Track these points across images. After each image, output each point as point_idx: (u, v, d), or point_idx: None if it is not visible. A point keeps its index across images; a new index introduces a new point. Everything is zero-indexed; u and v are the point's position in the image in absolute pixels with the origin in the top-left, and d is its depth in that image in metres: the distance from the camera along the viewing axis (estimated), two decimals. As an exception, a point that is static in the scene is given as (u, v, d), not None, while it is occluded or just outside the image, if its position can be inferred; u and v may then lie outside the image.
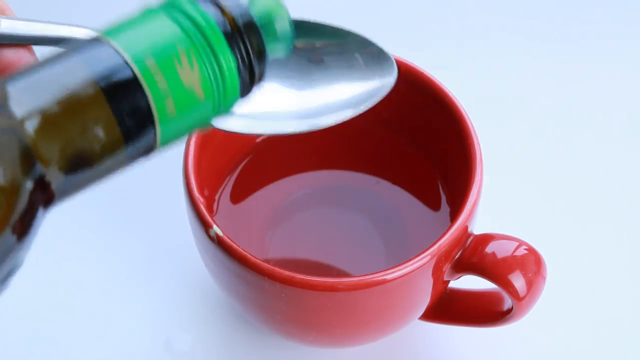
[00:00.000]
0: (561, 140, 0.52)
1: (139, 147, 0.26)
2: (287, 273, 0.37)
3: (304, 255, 0.44)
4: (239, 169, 0.46)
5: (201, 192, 0.40)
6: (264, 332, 0.46)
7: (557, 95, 0.54)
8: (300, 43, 0.37)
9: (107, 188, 0.50)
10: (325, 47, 0.37)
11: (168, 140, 0.27)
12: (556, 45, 0.56)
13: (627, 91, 0.54)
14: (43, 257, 0.48)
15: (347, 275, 0.44)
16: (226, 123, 0.35)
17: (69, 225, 0.49)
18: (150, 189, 0.50)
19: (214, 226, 0.38)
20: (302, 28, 0.37)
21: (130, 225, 0.49)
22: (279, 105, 0.36)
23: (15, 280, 0.48)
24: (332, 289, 0.38)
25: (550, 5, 0.57)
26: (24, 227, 0.25)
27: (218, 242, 0.38)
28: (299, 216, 0.45)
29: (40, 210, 0.25)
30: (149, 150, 0.27)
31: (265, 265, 0.38)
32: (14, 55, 0.34)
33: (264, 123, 0.36)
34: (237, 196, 0.45)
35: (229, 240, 0.38)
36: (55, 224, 0.49)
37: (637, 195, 0.50)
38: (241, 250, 0.38)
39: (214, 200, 0.44)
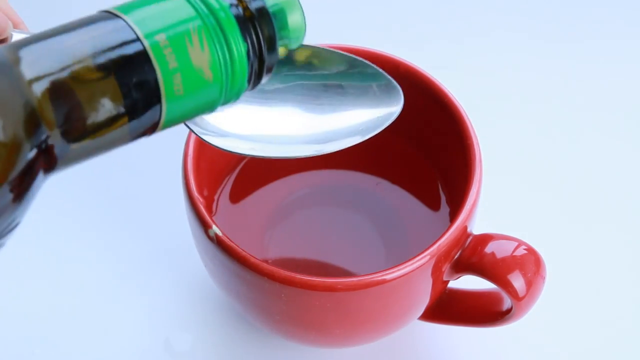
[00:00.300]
0: (561, 141, 0.52)
1: (143, 123, 0.27)
2: (286, 273, 0.38)
3: (304, 255, 0.44)
4: (238, 169, 0.46)
5: (200, 192, 0.40)
6: (264, 332, 0.46)
7: (557, 95, 0.54)
8: (311, 69, 0.37)
9: (107, 188, 0.50)
10: (333, 74, 0.38)
11: (172, 120, 0.27)
12: (555, 45, 0.56)
13: (630, 92, 0.54)
14: (43, 258, 0.48)
15: (346, 275, 0.44)
16: (234, 145, 0.36)
17: (69, 225, 0.49)
18: (150, 190, 0.50)
19: (213, 226, 0.38)
20: (316, 55, 0.38)
21: (130, 226, 0.49)
22: (287, 129, 0.37)
23: (16, 280, 0.49)
24: (331, 289, 0.38)
25: (552, 4, 0.57)
26: (22, 186, 0.25)
27: (217, 242, 0.38)
28: (298, 216, 0.45)
29: (41, 174, 0.26)
30: (153, 127, 0.27)
31: (265, 265, 0.38)
32: None
33: (270, 146, 0.36)
34: (237, 196, 0.45)
35: (228, 240, 0.38)
36: (56, 224, 0.49)
37: (637, 195, 0.50)
38: (241, 250, 0.38)
39: (214, 200, 0.44)
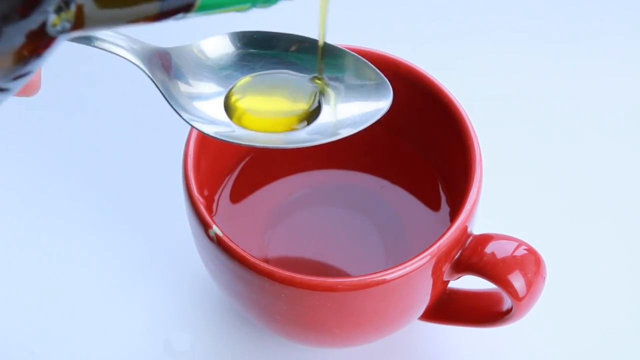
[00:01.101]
0: (562, 140, 0.52)
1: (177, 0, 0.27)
2: (286, 273, 0.37)
3: (304, 255, 0.44)
4: (238, 169, 0.46)
5: (201, 192, 0.40)
6: (264, 332, 0.46)
7: (558, 94, 0.54)
8: (301, 58, 0.38)
9: (107, 188, 0.50)
10: (324, 65, 0.38)
11: (206, 7, 0.27)
12: (555, 45, 0.56)
13: (631, 91, 0.54)
14: (43, 257, 0.48)
15: (346, 275, 0.44)
16: (218, 130, 0.36)
17: (69, 225, 0.49)
18: (150, 189, 0.50)
19: (214, 226, 0.38)
20: (308, 44, 0.38)
21: (130, 226, 0.49)
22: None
23: (15, 281, 0.49)
24: (331, 289, 0.38)
25: (552, 4, 0.57)
26: (41, 39, 0.25)
27: (217, 242, 0.38)
28: (299, 216, 0.45)
29: (65, 32, 0.26)
30: (186, 8, 0.27)
31: (265, 265, 0.38)
32: None
33: (256, 136, 0.36)
34: (237, 196, 0.45)
35: (228, 240, 0.38)
36: (55, 224, 0.49)
37: (637, 195, 0.50)
38: (241, 250, 0.38)
39: (214, 200, 0.44)
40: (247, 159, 0.46)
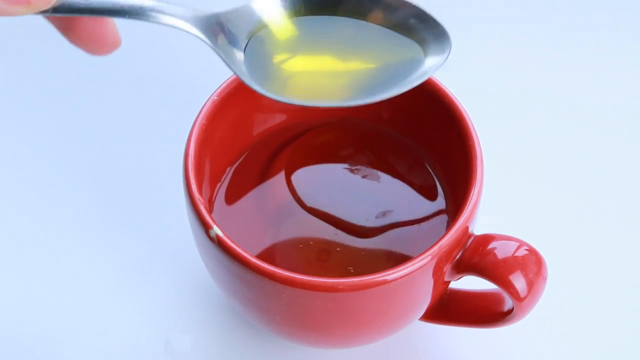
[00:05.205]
0: (563, 140, 0.52)
1: None
2: (287, 273, 0.37)
3: (305, 255, 0.44)
4: (237, 167, 0.45)
5: (201, 192, 0.40)
6: (264, 332, 0.46)
7: (560, 94, 0.54)
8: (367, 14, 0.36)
9: (107, 188, 0.50)
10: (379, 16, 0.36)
11: None
12: (560, 43, 0.56)
13: (635, 87, 0.54)
14: (43, 257, 0.48)
15: (347, 275, 0.43)
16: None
17: (68, 225, 0.49)
18: (151, 190, 0.50)
19: (214, 226, 0.38)
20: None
21: (130, 226, 0.49)
22: (321, 77, 0.35)
23: (15, 280, 0.49)
24: (332, 289, 0.37)
25: (552, 2, 0.57)
26: None
27: (218, 242, 0.38)
28: (299, 215, 0.45)
29: None
30: None
31: (266, 265, 0.38)
32: (95, 25, 0.34)
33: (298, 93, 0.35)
34: (237, 195, 0.45)
35: (229, 240, 0.38)
36: (56, 224, 0.49)
37: None
38: (241, 251, 0.38)
39: (214, 200, 0.44)
40: (245, 155, 0.45)
